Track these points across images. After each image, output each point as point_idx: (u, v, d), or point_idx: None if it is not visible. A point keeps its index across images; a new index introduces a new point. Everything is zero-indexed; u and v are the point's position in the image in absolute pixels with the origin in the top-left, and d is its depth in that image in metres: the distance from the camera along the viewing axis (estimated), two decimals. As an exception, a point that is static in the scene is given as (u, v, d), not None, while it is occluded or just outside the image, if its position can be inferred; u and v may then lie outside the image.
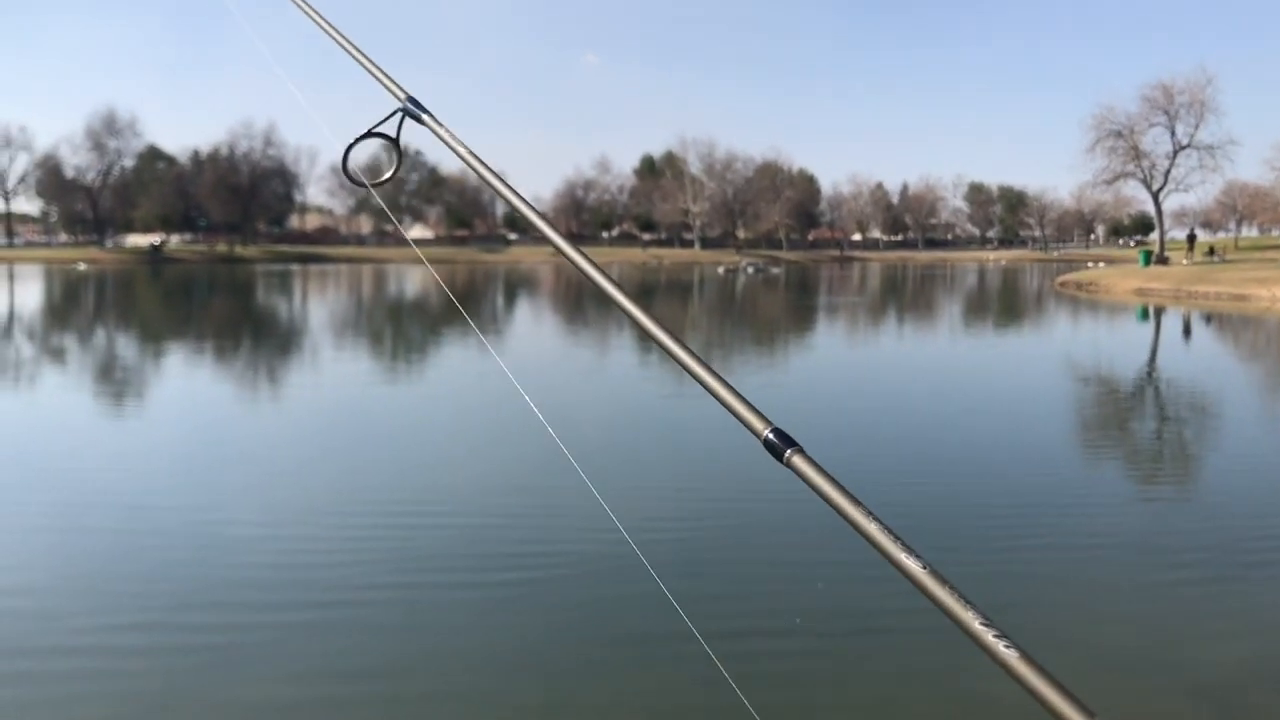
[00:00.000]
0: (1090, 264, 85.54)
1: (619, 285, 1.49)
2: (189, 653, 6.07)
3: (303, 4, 2.41)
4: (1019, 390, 18.34)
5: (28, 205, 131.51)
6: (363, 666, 5.85)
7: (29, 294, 50.36)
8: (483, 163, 1.78)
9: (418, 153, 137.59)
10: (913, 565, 1.00)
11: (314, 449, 12.36)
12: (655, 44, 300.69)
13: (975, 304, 48.89)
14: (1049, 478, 10.90)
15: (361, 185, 1.95)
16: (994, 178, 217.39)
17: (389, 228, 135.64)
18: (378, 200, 2.08)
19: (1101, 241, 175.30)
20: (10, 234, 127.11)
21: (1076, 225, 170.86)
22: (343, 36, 2.24)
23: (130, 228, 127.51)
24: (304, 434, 13.58)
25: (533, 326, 33.83)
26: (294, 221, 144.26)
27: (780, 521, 8.67)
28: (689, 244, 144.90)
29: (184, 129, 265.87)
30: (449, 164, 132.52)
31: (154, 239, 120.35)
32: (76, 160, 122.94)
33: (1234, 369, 23.32)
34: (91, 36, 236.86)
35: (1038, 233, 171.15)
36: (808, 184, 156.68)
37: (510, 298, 47.74)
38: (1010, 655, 0.91)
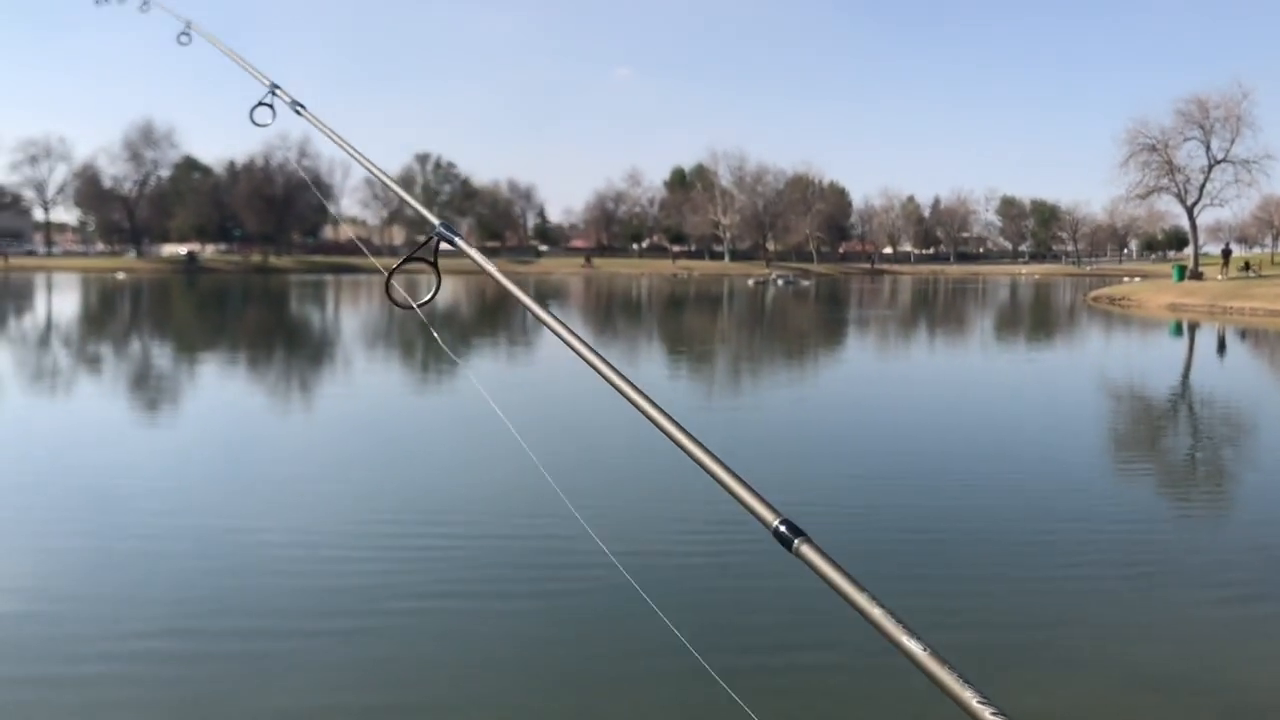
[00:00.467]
0: (1127, 279, 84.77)
1: (637, 388, 1.56)
2: (212, 664, 6.18)
3: (343, 143, 2.70)
4: (1052, 406, 18.24)
5: (66, 215, 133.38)
6: (382, 682, 5.93)
7: (73, 302, 51.00)
8: (504, 277, 1.99)
9: (450, 165, 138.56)
10: (915, 648, 1.06)
11: (334, 462, 12.49)
12: (686, 57, 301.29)
13: (1007, 318, 48.64)
14: (1085, 496, 10.86)
15: (407, 308, 2.10)
16: (1026, 191, 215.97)
17: (420, 238, 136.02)
18: (421, 316, 2.25)
19: (1135, 256, 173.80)
20: (49, 243, 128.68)
21: (1109, 240, 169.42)
22: (379, 169, 2.58)
23: (166, 237, 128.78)
24: (325, 448, 13.73)
25: (551, 341, 33.89)
26: (327, 232, 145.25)
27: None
28: (719, 256, 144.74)
29: (220, 140, 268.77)
30: (481, 176, 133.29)
31: (182, 249, 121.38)
32: (114, 170, 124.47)
33: (1270, 386, 23.12)
34: (128, 48, 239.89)
35: (1070, 247, 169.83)
36: (838, 197, 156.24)
37: (523, 317, 47.78)
38: None
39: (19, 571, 7.76)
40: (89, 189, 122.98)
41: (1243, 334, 37.62)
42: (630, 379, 1.56)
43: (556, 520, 8.84)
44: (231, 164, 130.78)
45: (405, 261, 2.03)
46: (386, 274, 2.03)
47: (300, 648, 6.36)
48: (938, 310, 55.33)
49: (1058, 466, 12.34)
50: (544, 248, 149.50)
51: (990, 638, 6.62)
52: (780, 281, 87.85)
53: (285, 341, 31.61)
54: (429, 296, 2.10)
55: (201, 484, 10.89)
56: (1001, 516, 9.83)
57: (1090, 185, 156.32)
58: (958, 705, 0.99)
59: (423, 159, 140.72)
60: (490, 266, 1.99)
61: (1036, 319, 47.84)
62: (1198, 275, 65.65)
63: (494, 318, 40.72)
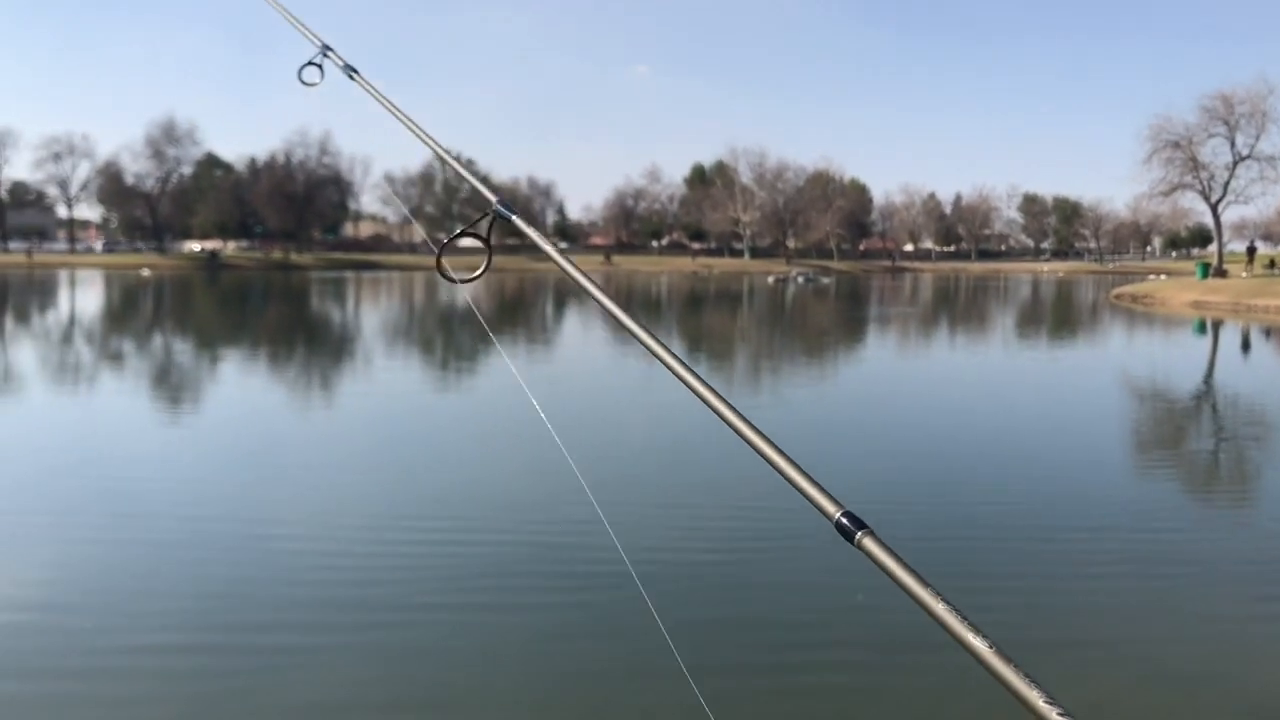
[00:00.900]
0: (1153, 276, 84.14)
1: (690, 368, 1.57)
2: (233, 660, 6.21)
3: (403, 117, 2.67)
4: (1077, 404, 18.14)
5: (89, 212, 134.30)
6: (401, 689, 5.95)
7: (101, 299, 51.36)
8: (567, 259, 1.93)
9: (470, 162, 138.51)
10: (979, 645, 1.05)
11: (354, 462, 12.54)
12: (706, 54, 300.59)
13: (1030, 317, 48.38)
14: (1110, 492, 10.80)
15: (456, 282, 2.14)
16: (1049, 188, 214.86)
17: (441, 235, 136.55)
18: (467, 298, 2.25)
19: (1158, 254, 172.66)
20: (72, 240, 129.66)
21: (1132, 237, 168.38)
22: (440, 146, 2.61)
23: (188, 234, 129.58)
24: (350, 443, 13.78)
25: (578, 338, 33.93)
26: (348, 229, 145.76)
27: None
28: (739, 253, 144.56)
29: (241, 137, 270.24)
30: (500, 174, 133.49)
31: (196, 245, 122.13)
32: (136, 168, 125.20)
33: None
34: (151, 47, 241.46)
35: (1093, 244, 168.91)
36: (859, 194, 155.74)
37: (559, 306, 47.95)
38: None
39: (40, 566, 7.80)
40: (111, 186, 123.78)
41: (1267, 332, 37.32)
42: (691, 366, 1.58)
43: (586, 520, 8.84)
44: (253, 161, 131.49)
45: (459, 235, 2.05)
46: (438, 248, 2.06)
47: (320, 645, 6.38)
48: (960, 308, 55.11)
49: (1083, 464, 12.27)
50: (563, 245, 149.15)
51: (1010, 635, 6.57)
52: (800, 279, 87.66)
53: (310, 338, 31.76)
54: (479, 272, 2.12)
55: (223, 481, 10.95)
56: (1023, 512, 9.78)
57: (1113, 182, 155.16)
58: (1023, 705, 0.99)
59: (439, 156, 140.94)
60: (548, 246, 1.98)
61: (1059, 317, 47.57)
62: (1222, 273, 65.17)
63: (515, 313, 40.77)
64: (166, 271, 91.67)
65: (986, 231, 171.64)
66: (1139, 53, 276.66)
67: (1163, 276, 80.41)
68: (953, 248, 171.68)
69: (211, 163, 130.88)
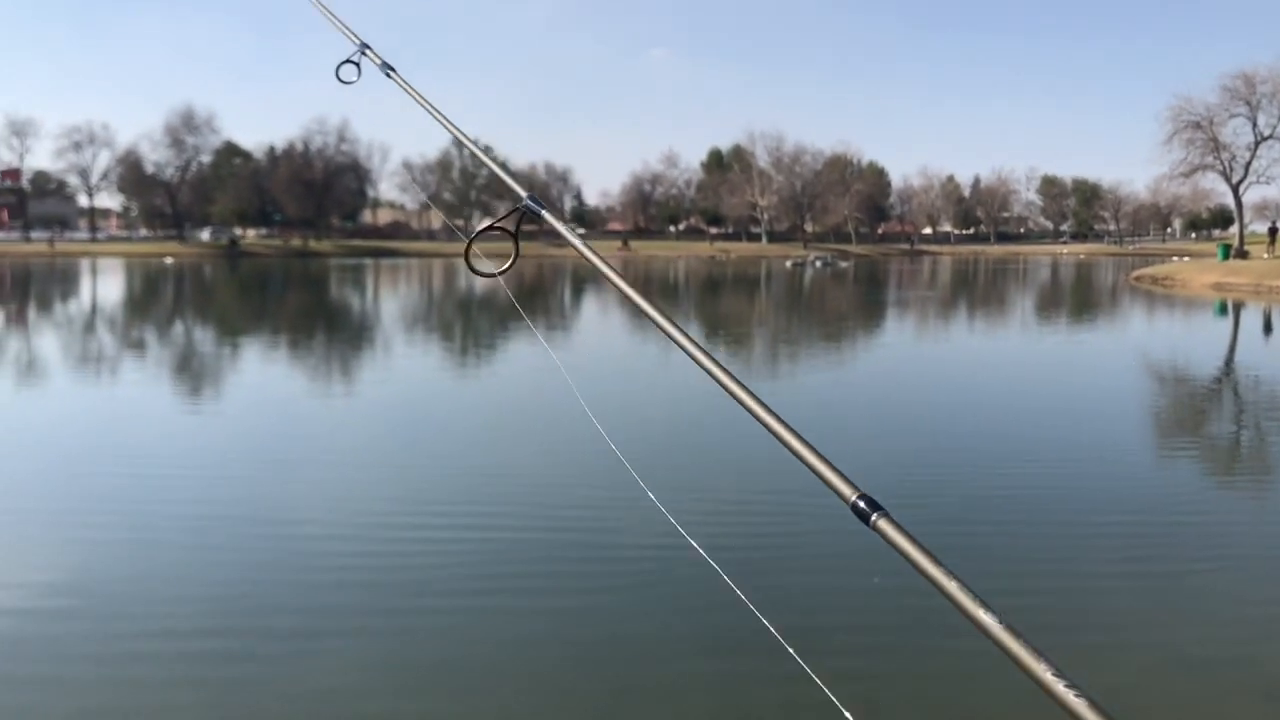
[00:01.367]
0: (1175, 258, 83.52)
1: (708, 353, 1.61)
2: (253, 651, 6.31)
3: (439, 115, 2.76)
4: (1101, 387, 18.10)
5: (109, 200, 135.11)
6: (437, 673, 6.05)
7: (127, 287, 51.68)
8: (590, 248, 1.99)
9: (488, 148, 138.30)
10: (988, 620, 1.08)
11: (383, 450, 12.64)
12: (722, 37, 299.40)
13: (1050, 299, 48.18)
14: (1129, 475, 10.82)
15: (487, 276, 2.22)
16: (1068, 170, 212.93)
17: (459, 221, 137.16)
18: (506, 291, 2.35)
19: (1178, 235, 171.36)
20: (94, 229, 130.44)
21: (1152, 219, 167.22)
22: (473, 141, 2.67)
23: (207, 222, 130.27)
24: (373, 434, 13.88)
25: (598, 323, 34.00)
26: (366, 216, 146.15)
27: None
28: (756, 238, 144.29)
29: (259, 125, 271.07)
30: (518, 160, 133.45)
31: (205, 233, 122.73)
32: (156, 156, 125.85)
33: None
34: (170, 35, 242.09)
35: (1112, 226, 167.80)
36: (877, 177, 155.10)
37: (577, 293, 48.03)
38: (1080, 704, 0.96)
39: (58, 559, 7.88)
40: (131, 175, 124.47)
41: (1289, 314, 37.11)
42: (709, 351, 1.61)
43: (620, 497, 8.93)
44: (271, 149, 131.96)
45: (487, 229, 2.10)
46: (467, 241, 2.12)
47: (345, 640, 6.46)
48: (980, 292, 54.92)
49: (1102, 447, 12.26)
50: (581, 230, 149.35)
51: (1032, 619, 6.63)
52: (818, 263, 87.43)
53: (335, 324, 31.93)
54: (506, 265, 2.20)
55: (247, 471, 11.07)
56: (1042, 496, 9.81)
57: (1133, 164, 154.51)
58: (1031, 679, 1.02)
59: (459, 143, 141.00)
60: (574, 239, 2.05)
61: (1079, 300, 47.35)
62: (1243, 254, 64.69)
63: (536, 298, 40.85)
64: (186, 260, 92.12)
65: (1005, 214, 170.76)
66: (1159, 33, 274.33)
67: (1185, 258, 79.78)
68: (971, 230, 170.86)
69: (230, 151, 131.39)
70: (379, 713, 5.26)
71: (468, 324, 32.31)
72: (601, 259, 1.95)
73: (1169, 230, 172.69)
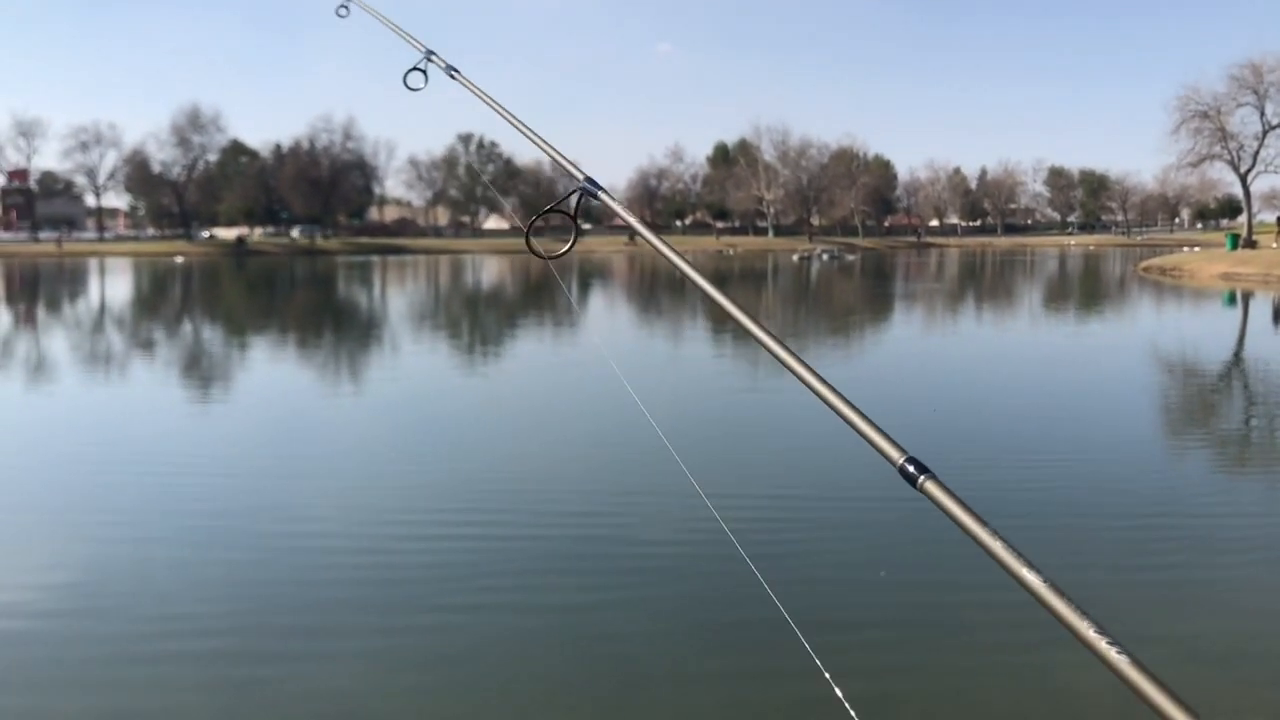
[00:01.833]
0: (1186, 248, 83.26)
1: (754, 318, 1.68)
2: (264, 650, 6.36)
3: (499, 107, 2.84)
4: (1104, 381, 18.10)
5: (116, 200, 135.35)
6: (456, 669, 6.10)
7: (138, 286, 51.83)
8: (659, 237, 2.03)
9: (493, 144, 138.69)
10: (1033, 579, 1.10)
11: (416, 445, 12.68)
12: (728, 32, 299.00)
13: (1059, 291, 48.11)
14: (1139, 469, 10.84)
15: (545, 258, 2.24)
16: (1075, 161, 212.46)
17: (465, 218, 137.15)
18: (554, 272, 2.41)
19: (1186, 226, 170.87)
20: (101, 228, 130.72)
21: (1160, 209, 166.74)
22: (528, 128, 2.69)
23: (215, 221, 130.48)
24: (386, 431, 13.92)
25: (611, 314, 34.04)
26: (373, 213, 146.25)
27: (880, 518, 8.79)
28: (763, 232, 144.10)
29: (266, 123, 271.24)
30: (524, 155, 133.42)
31: (206, 233, 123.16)
32: (162, 156, 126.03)
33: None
34: (175, 34, 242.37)
35: (1120, 217, 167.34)
36: (883, 170, 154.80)
37: (585, 287, 48.07)
38: (1121, 661, 0.98)
39: (66, 558, 7.93)
40: (138, 174, 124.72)
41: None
42: (764, 324, 1.68)
43: (651, 485, 8.97)
44: (277, 147, 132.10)
45: (547, 212, 2.17)
46: (526, 225, 2.18)
47: (360, 639, 6.50)
48: (989, 284, 54.84)
49: (1115, 439, 12.28)
50: (587, 226, 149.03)
51: (1029, 611, 6.66)
52: (825, 256, 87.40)
53: (350, 322, 32.01)
54: (566, 248, 2.25)
55: (257, 470, 11.13)
56: (1060, 487, 9.84)
57: (1140, 154, 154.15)
58: (1074, 635, 1.04)
59: (465, 139, 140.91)
60: (635, 221, 2.13)
61: (1088, 291, 47.28)
62: (1251, 244, 64.56)
63: (538, 296, 40.90)
64: (195, 259, 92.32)
65: (1012, 206, 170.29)
66: (1166, 23, 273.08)
67: (1196, 249, 79.57)
68: (978, 223, 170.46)
69: (237, 149, 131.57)
70: (392, 711, 5.31)
71: (476, 318, 32.36)
72: (656, 236, 2.04)
73: (1177, 220, 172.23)
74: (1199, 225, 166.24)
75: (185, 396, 16.65)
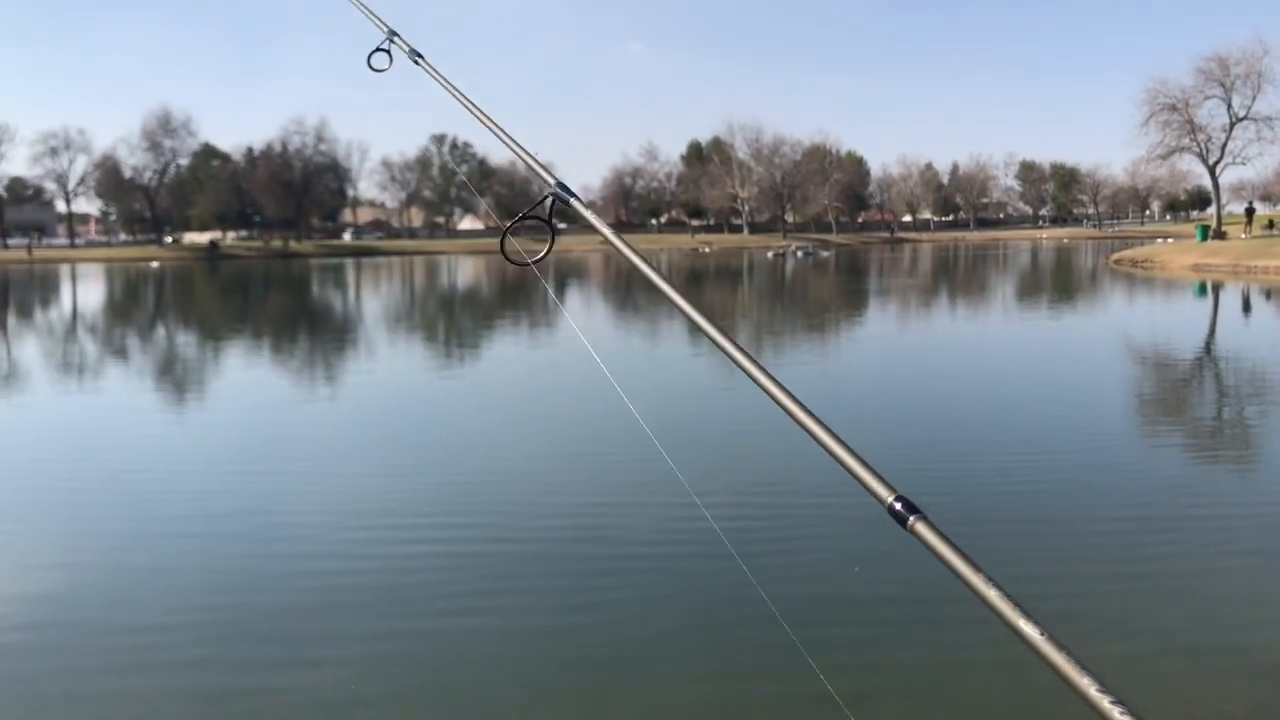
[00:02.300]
0: (1160, 239, 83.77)
1: (734, 341, 1.63)
2: (244, 654, 6.34)
3: (466, 101, 2.76)
4: (1076, 372, 18.22)
5: (88, 205, 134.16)
6: (453, 675, 6.09)
7: (116, 292, 51.41)
8: (626, 243, 2.02)
9: (466, 145, 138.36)
10: (1032, 632, 1.05)
11: (396, 449, 12.64)
12: (699, 30, 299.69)
13: (1032, 284, 48.38)
14: (1112, 458, 10.91)
15: (522, 264, 2.23)
16: (1046, 155, 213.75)
17: (439, 219, 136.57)
18: (537, 273, 2.39)
19: (1157, 218, 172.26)
20: (72, 234, 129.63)
21: (1131, 201, 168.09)
22: (502, 131, 2.59)
23: (187, 225, 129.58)
24: (366, 436, 13.87)
25: (589, 314, 34.01)
26: (347, 216, 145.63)
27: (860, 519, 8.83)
28: (738, 229, 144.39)
29: (237, 127, 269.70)
30: (498, 155, 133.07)
31: (169, 239, 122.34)
32: (134, 160, 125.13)
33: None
34: (145, 39, 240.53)
35: (1091, 210, 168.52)
36: (856, 166, 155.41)
37: (562, 287, 48.01)
38: None
39: (44, 569, 7.84)
40: (109, 179, 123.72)
41: (1268, 294, 37.36)
42: (744, 348, 1.62)
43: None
44: (249, 150, 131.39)
45: (521, 219, 2.12)
46: (502, 233, 2.15)
47: (346, 647, 6.47)
48: (960, 278, 55.10)
49: (1092, 433, 12.35)
50: (562, 225, 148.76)
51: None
52: (800, 253, 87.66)
53: (320, 325, 31.86)
54: (542, 254, 2.22)
55: (238, 477, 11.06)
56: (1030, 481, 9.89)
57: (1111, 147, 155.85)
58: (1075, 693, 0.99)
59: (439, 140, 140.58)
60: (603, 226, 2.10)
61: (1061, 284, 47.57)
62: (1221, 235, 65.13)
63: (515, 297, 40.84)
64: (168, 263, 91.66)
65: (984, 200, 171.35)
66: (1134, 16, 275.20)
67: (1170, 240, 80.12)
68: (951, 217, 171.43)
69: (208, 153, 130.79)
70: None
71: (453, 320, 32.27)
72: (629, 245, 2.01)
73: (1148, 213, 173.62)
74: (1169, 217, 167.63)
75: (159, 403, 16.54)
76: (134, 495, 9.83)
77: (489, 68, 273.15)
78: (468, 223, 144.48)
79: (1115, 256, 62.78)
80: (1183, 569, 7.42)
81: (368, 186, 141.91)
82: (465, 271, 67.76)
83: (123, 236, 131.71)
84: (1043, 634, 1.05)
